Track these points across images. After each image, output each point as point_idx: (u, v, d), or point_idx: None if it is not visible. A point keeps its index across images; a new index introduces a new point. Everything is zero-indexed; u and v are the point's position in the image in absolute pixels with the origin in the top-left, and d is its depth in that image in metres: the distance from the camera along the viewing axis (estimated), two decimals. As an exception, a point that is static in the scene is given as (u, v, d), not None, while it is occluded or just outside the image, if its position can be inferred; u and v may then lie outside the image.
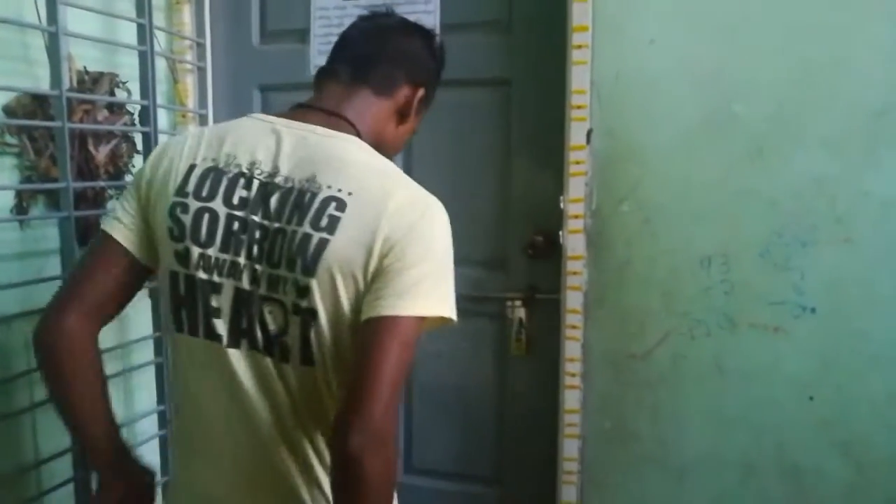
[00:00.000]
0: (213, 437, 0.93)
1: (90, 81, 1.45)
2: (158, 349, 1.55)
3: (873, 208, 1.33)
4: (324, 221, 0.84)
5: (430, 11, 1.62)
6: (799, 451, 1.42)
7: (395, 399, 0.79)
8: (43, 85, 1.33)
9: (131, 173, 1.58)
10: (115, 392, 0.99)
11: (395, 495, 0.85)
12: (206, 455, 0.94)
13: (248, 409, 0.89)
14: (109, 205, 1.52)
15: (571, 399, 1.52)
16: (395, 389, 0.79)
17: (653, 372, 1.48)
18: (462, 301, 0.89)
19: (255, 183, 0.87)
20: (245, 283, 0.87)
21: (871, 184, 1.33)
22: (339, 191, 0.85)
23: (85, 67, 1.44)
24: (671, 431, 1.48)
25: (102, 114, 1.48)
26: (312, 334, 0.86)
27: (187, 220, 0.88)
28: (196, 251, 0.88)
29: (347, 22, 1.07)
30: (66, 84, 1.29)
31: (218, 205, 0.88)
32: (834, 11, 1.33)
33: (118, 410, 0.98)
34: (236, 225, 0.87)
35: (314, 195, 0.85)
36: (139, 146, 1.56)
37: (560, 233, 1.52)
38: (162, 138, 1.52)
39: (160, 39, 1.59)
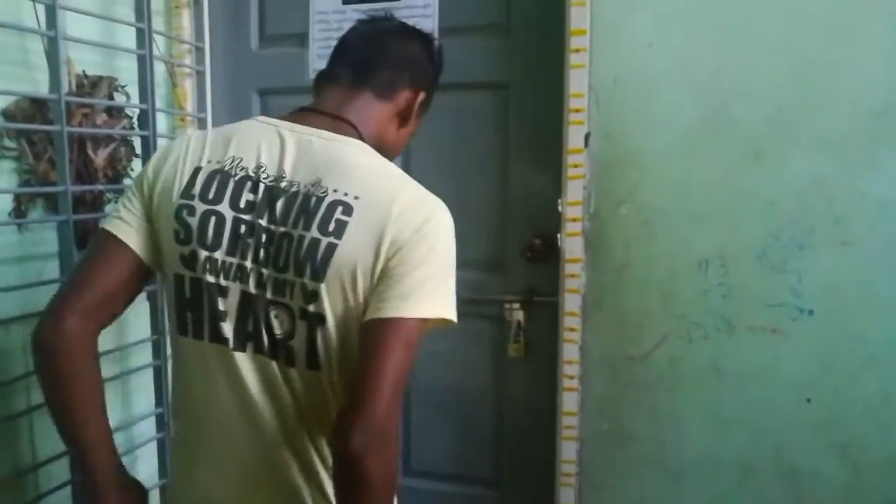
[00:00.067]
0: (217, 439, 0.93)
1: (89, 85, 1.46)
2: (157, 352, 1.55)
3: (871, 210, 1.34)
4: (331, 226, 0.84)
5: (428, 15, 1.62)
6: (796, 452, 1.42)
7: (396, 399, 0.80)
8: (42, 89, 1.33)
9: (130, 177, 1.58)
10: (113, 395, 0.99)
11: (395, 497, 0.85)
12: (209, 458, 0.94)
13: (253, 413, 0.89)
14: (108, 208, 1.52)
15: (569, 401, 1.52)
16: (396, 389, 0.80)
17: (651, 374, 1.48)
18: (460, 303, 0.90)
19: (262, 187, 0.88)
20: (251, 287, 0.87)
21: (869, 185, 1.34)
22: (346, 195, 0.85)
23: (84, 71, 1.45)
24: (669, 433, 1.49)
25: (101, 117, 1.48)
26: (319, 339, 0.87)
27: (194, 222, 0.88)
28: (203, 254, 0.88)
29: (346, 26, 1.08)
30: (64, 88, 1.29)
31: (225, 208, 0.88)
32: (832, 13, 1.33)
33: (116, 413, 0.97)
34: (243, 228, 0.87)
35: (320, 199, 0.85)
36: (138, 150, 1.57)
37: (558, 236, 1.52)
38: (161, 142, 1.52)
39: (159, 43, 1.59)
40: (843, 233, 1.36)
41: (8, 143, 1.33)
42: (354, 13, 1.62)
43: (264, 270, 0.87)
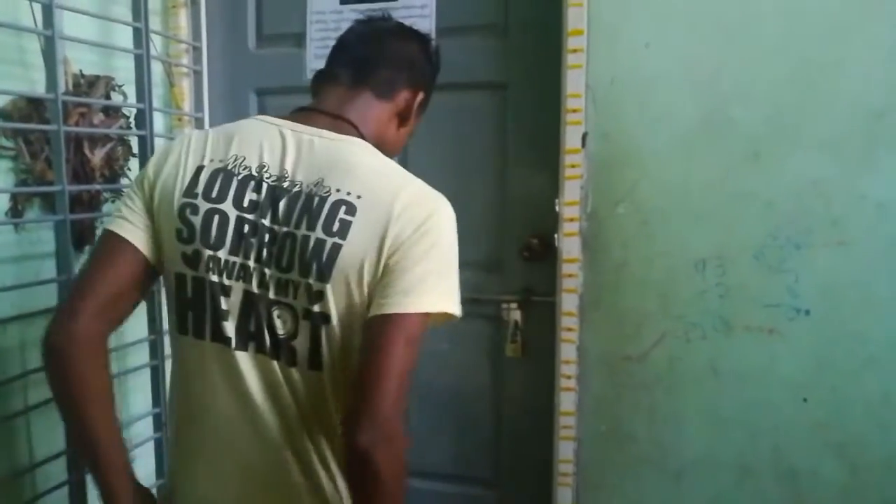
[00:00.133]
0: (216, 439, 0.92)
1: (86, 85, 1.45)
2: (154, 352, 1.55)
3: (869, 211, 1.34)
4: (336, 226, 0.85)
5: (426, 16, 1.62)
6: (794, 452, 1.42)
7: (402, 394, 0.81)
8: (39, 88, 1.33)
9: (127, 177, 1.58)
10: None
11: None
12: (208, 458, 0.94)
13: (254, 412, 0.89)
14: (105, 207, 1.52)
15: (567, 401, 1.52)
16: (402, 385, 0.81)
17: (648, 374, 1.48)
18: (458, 303, 0.89)
19: (265, 186, 0.88)
20: (254, 287, 0.88)
21: (867, 186, 1.34)
22: (348, 194, 0.86)
23: (81, 71, 1.44)
24: (667, 433, 1.49)
25: (98, 117, 1.48)
26: (324, 339, 0.87)
27: (197, 221, 0.88)
28: (206, 253, 0.88)
29: (344, 26, 1.08)
30: (61, 87, 1.29)
31: (228, 207, 0.88)
32: (831, 14, 1.33)
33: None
34: (246, 228, 0.87)
35: (323, 199, 0.86)
36: (135, 150, 1.56)
37: (556, 235, 1.52)
38: (158, 142, 1.52)
39: (156, 43, 1.59)
40: (840, 233, 1.36)
41: (4, 142, 1.33)
42: (352, 13, 1.62)
43: (267, 270, 0.87)
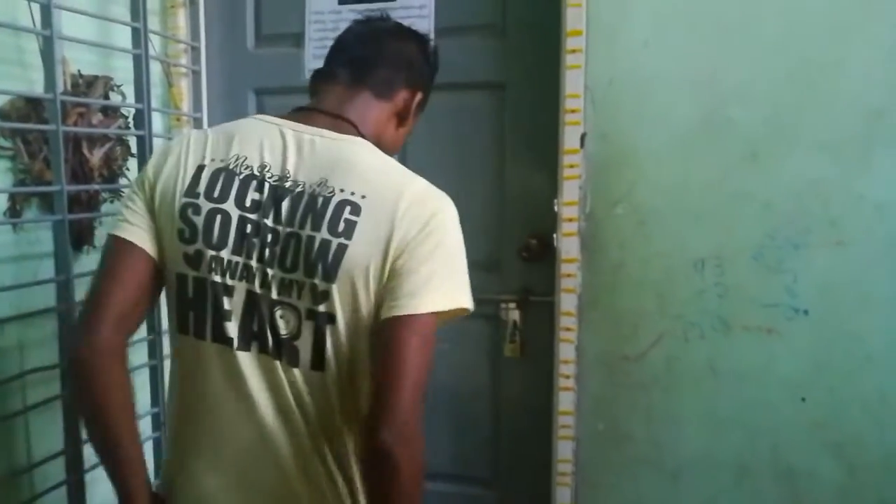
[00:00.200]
0: (217, 438, 0.92)
1: (84, 85, 1.45)
2: (153, 351, 1.55)
3: (867, 211, 1.34)
4: (341, 227, 0.85)
5: (424, 16, 1.62)
6: (792, 452, 1.42)
7: (420, 394, 0.82)
8: (37, 88, 1.33)
9: (126, 177, 1.58)
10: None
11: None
12: (208, 458, 0.93)
13: (254, 412, 0.89)
14: (104, 207, 1.52)
15: (565, 401, 1.53)
16: (419, 384, 0.82)
17: (647, 374, 1.48)
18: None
19: (267, 186, 0.88)
20: (256, 287, 0.88)
21: (865, 187, 1.34)
22: (353, 194, 0.86)
23: (79, 71, 1.44)
24: (665, 433, 1.49)
25: (97, 117, 1.48)
26: (328, 339, 0.87)
27: (199, 221, 0.88)
28: (209, 254, 0.88)
29: (342, 26, 1.08)
30: (60, 87, 1.29)
31: (230, 206, 0.88)
32: (829, 14, 1.34)
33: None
34: (249, 228, 0.87)
35: (328, 199, 0.86)
36: (133, 150, 1.56)
37: (554, 235, 1.52)
38: (156, 142, 1.52)
39: (155, 43, 1.59)
40: (838, 233, 1.36)
41: (3, 142, 1.33)
42: (350, 13, 1.61)
43: (269, 270, 0.87)
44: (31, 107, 1.33)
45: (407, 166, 0.92)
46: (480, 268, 1.65)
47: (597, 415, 1.52)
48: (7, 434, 1.34)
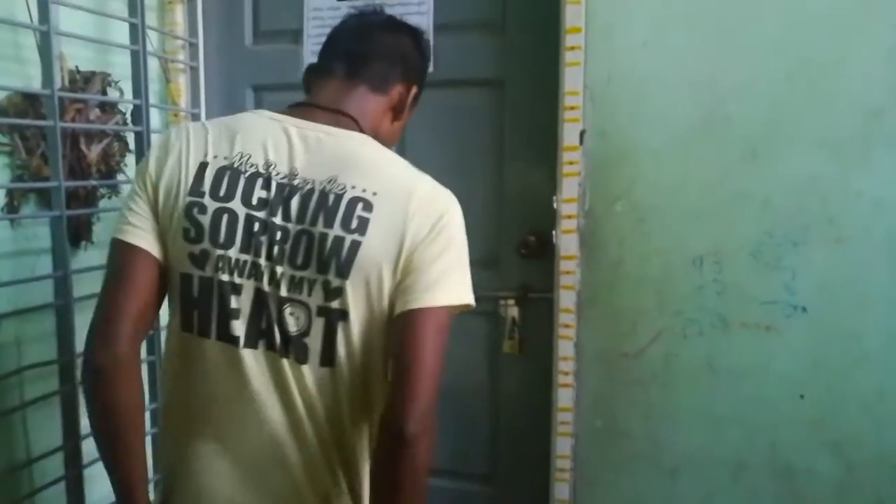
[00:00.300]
0: (219, 437, 0.92)
1: (82, 81, 1.45)
2: (151, 347, 1.55)
3: (865, 208, 1.34)
4: (354, 223, 0.85)
5: (423, 12, 1.62)
6: (790, 449, 1.43)
7: (437, 384, 0.84)
8: (34, 84, 1.33)
9: (124, 173, 1.57)
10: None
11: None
12: (209, 455, 0.93)
13: (260, 410, 0.89)
14: (102, 203, 1.52)
15: (564, 397, 1.53)
16: (436, 375, 0.84)
17: (645, 371, 1.48)
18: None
19: (274, 184, 0.88)
20: (265, 284, 0.87)
21: (863, 184, 1.34)
22: (364, 191, 0.86)
23: (77, 67, 1.44)
24: (663, 430, 1.49)
25: (94, 113, 1.48)
26: (339, 335, 0.87)
27: (206, 220, 0.87)
28: (216, 253, 0.87)
29: (341, 23, 1.08)
30: (57, 83, 1.29)
31: (237, 205, 0.87)
32: (828, 13, 1.33)
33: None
34: (256, 226, 0.87)
35: (339, 196, 0.86)
36: (131, 145, 1.56)
37: (553, 232, 1.52)
38: (154, 138, 1.51)
39: (152, 39, 1.58)
40: (837, 230, 1.36)
41: (0, 138, 1.33)
42: (349, 9, 1.60)
43: (278, 268, 0.87)
44: (29, 102, 1.33)
45: (406, 162, 0.93)
46: (479, 264, 1.63)
47: (595, 411, 1.53)
48: (5, 430, 1.34)
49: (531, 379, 1.64)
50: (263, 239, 0.87)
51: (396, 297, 0.87)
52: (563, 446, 1.54)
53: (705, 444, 1.47)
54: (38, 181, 1.35)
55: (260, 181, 0.88)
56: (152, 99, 1.54)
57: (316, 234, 0.86)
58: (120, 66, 1.52)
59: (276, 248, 0.87)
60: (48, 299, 1.33)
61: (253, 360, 0.88)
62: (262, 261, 0.87)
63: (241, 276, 0.88)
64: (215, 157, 0.89)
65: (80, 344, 1.11)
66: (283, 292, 0.87)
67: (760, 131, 1.38)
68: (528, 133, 1.60)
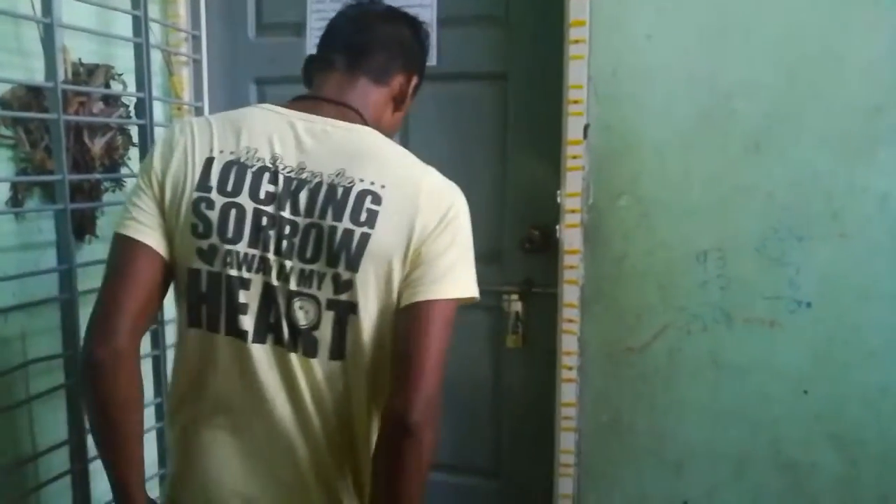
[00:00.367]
0: (227, 429, 0.92)
1: (85, 73, 1.45)
2: (155, 342, 1.55)
3: (869, 203, 1.34)
4: (363, 216, 0.86)
5: (427, 5, 1.61)
6: (793, 444, 1.43)
7: (441, 375, 0.85)
8: (38, 77, 1.32)
9: (127, 166, 1.57)
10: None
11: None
12: (216, 450, 0.93)
13: (268, 404, 0.89)
14: (106, 197, 1.51)
15: (568, 392, 1.53)
16: (441, 366, 0.85)
17: (649, 365, 1.48)
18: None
19: (281, 178, 0.88)
20: (273, 279, 0.87)
21: (867, 179, 1.33)
22: (373, 184, 0.87)
23: (80, 59, 1.44)
24: (667, 424, 1.49)
25: (98, 106, 1.47)
26: (349, 328, 0.88)
27: (214, 216, 0.87)
28: (224, 248, 0.87)
29: (343, 15, 1.07)
30: (61, 76, 1.28)
31: (244, 199, 0.87)
32: (833, 7, 1.33)
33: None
34: (264, 220, 0.87)
35: (348, 189, 0.86)
36: (135, 138, 1.56)
37: (557, 227, 1.52)
38: (157, 131, 1.51)
39: (155, 32, 1.58)
40: (841, 226, 1.36)
41: (4, 131, 1.32)
42: (352, 1, 1.60)
43: (287, 262, 0.87)
44: (32, 95, 1.33)
45: (409, 156, 0.93)
46: (483, 259, 1.62)
47: (599, 406, 1.53)
48: (11, 424, 1.34)
49: (535, 374, 1.64)
50: (272, 233, 0.87)
51: (403, 288, 0.87)
52: (566, 441, 1.54)
53: (709, 438, 1.47)
54: (41, 174, 1.35)
55: (267, 175, 0.88)
56: (155, 92, 1.54)
57: (325, 227, 0.86)
58: (123, 59, 1.51)
59: (284, 243, 0.87)
60: (53, 293, 1.33)
61: (262, 355, 0.89)
62: (271, 255, 0.87)
63: (249, 270, 0.88)
64: (221, 151, 0.89)
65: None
66: (293, 286, 0.87)
67: (764, 126, 1.37)
68: (531, 127, 1.59)
